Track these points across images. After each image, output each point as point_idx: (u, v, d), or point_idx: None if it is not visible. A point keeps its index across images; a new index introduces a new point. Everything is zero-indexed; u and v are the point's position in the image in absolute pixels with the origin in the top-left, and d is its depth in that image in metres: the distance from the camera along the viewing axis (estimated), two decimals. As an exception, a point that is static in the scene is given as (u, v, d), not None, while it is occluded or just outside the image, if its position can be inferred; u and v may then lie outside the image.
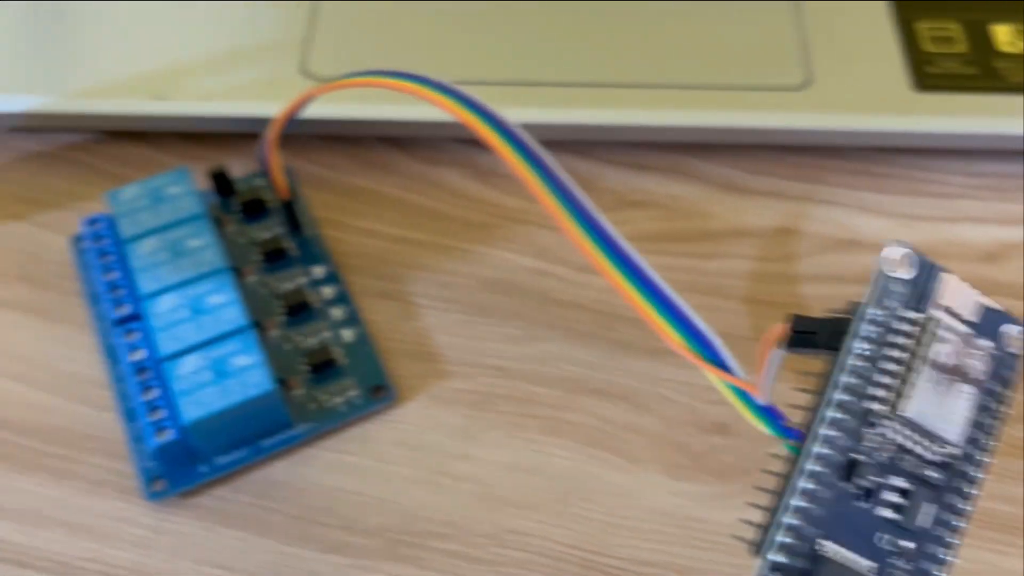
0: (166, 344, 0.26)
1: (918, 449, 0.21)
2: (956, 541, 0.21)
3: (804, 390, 0.21)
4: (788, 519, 0.20)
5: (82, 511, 0.27)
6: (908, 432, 0.20)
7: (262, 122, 0.33)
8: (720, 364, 0.22)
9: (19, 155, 0.34)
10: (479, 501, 0.27)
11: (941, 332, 0.20)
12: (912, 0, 0.35)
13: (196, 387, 0.25)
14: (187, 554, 0.26)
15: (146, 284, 0.28)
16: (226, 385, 0.25)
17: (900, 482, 0.20)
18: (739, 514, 0.27)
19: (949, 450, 0.20)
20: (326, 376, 0.28)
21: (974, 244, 0.32)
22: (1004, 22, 0.35)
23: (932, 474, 0.21)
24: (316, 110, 0.32)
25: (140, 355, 0.27)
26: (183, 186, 0.30)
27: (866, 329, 0.20)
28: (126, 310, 0.28)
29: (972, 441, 0.21)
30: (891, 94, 0.33)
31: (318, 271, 0.30)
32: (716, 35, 0.34)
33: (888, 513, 0.20)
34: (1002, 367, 0.21)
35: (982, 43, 0.34)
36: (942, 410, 0.20)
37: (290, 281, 0.30)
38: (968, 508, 0.21)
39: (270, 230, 0.31)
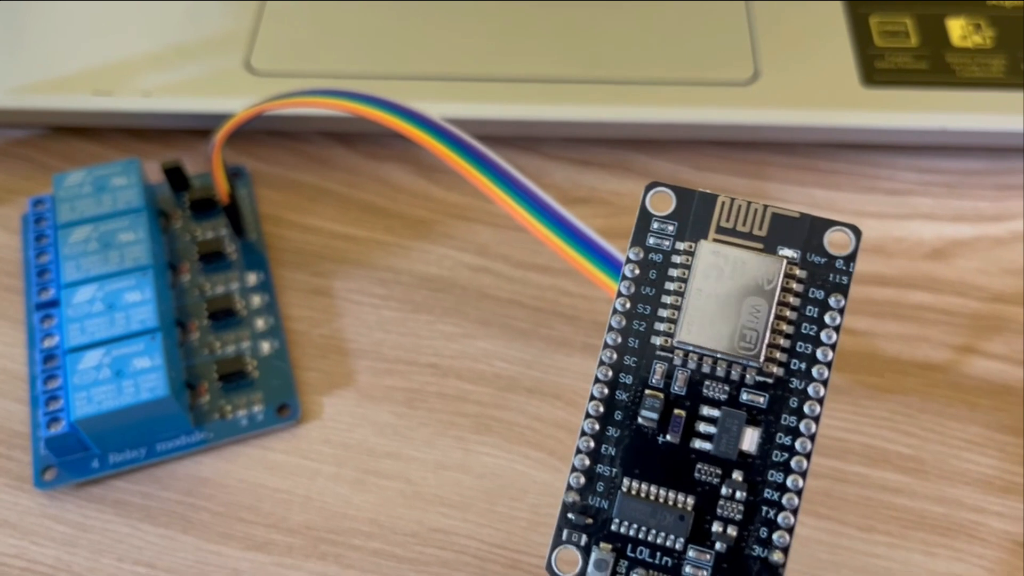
0: (74, 336, 0.26)
1: (720, 373, 0.20)
2: (798, 465, 0.19)
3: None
4: (574, 461, 0.20)
5: (7, 507, 0.27)
6: (700, 359, 0.20)
7: (206, 118, 0.33)
8: None
9: (-34, 151, 0.34)
10: (405, 500, 0.27)
11: (710, 257, 0.20)
12: (866, -7, 0.35)
13: (92, 383, 0.25)
14: (111, 551, 0.26)
15: (69, 272, 0.28)
16: (122, 385, 0.25)
17: (710, 411, 0.20)
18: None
19: (767, 369, 0.19)
20: (235, 387, 0.28)
21: (923, 241, 0.31)
22: (959, 16, 0.34)
23: (750, 397, 0.19)
24: (259, 105, 0.31)
25: (52, 342, 0.27)
26: (130, 177, 0.30)
27: (628, 268, 0.20)
28: (49, 295, 0.28)
29: (798, 355, 0.19)
30: (840, 89, 0.32)
31: (252, 278, 0.30)
32: (663, 28, 0.34)
33: (702, 444, 0.20)
34: (830, 273, 0.20)
35: (935, 38, 0.34)
36: (738, 330, 0.19)
37: (223, 285, 0.30)
38: (809, 429, 0.19)
39: (215, 230, 0.31)
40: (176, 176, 0.32)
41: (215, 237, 0.31)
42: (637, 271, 0.21)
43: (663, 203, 0.21)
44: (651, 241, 0.21)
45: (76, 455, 0.26)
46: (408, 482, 0.27)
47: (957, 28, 0.34)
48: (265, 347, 0.29)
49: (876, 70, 0.33)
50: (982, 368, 0.29)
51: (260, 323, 0.29)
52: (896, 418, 0.28)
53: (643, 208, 0.21)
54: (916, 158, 0.33)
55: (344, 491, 0.27)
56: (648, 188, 0.21)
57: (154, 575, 0.26)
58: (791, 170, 0.33)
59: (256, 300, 0.30)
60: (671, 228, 0.21)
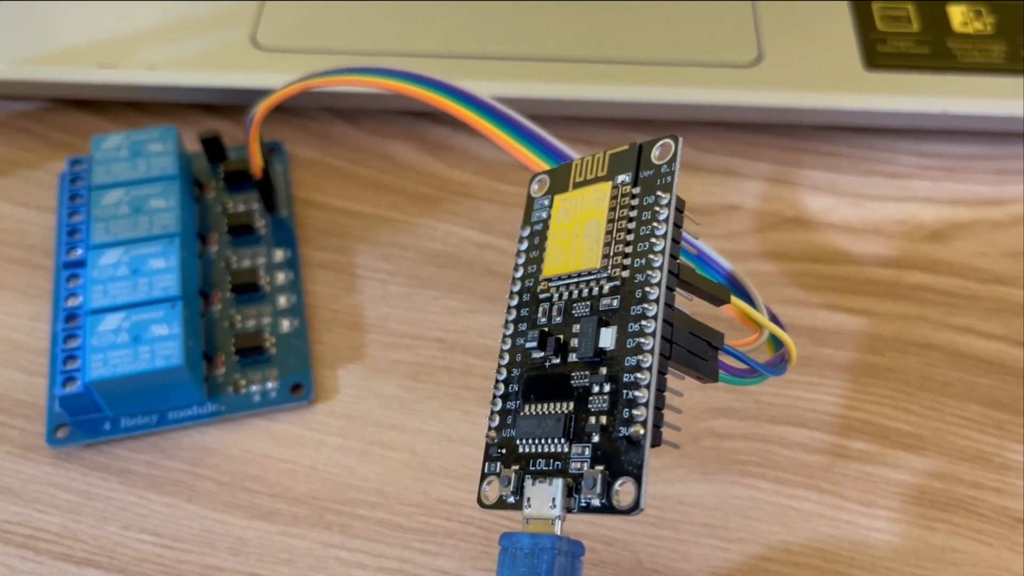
0: (96, 298, 0.26)
1: (584, 293, 0.21)
2: (647, 344, 0.20)
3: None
4: (491, 406, 0.22)
5: (11, 475, 0.27)
6: (566, 287, 0.22)
7: (212, 93, 0.33)
8: None
9: (-32, 123, 0.34)
10: (410, 471, 0.27)
11: (559, 204, 0.22)
12: (868, -22, 0.35)
13: (110, 347, 0.25)
14: (116, 519, 0.26)
15: (98, 234, 0.28)
16: (138, 351, 0.25)
17: (577, 326, 0.21)
18: (668, 489, 0.27)
19: (615, 275, 0.21)
20: (252, 362, 0.28)
21: (922, 224, 0.32)
22: (960, 2, 0.35)
23: (606, 303, 0.21)
24: (264, 81, 0.31)
25: (75, 302, 0.27)
26: (166, 144, 0.30)
27: (521, 245, 0.23)
28: (77, 255, 0.28)
29: (639, 254, 0.21)
30: (842, 72, 0.33)
31: (279, 255, 0.30)
32: (667, 9, 0.34)
33: (573, 355, 0.21)
34: (658, 179, 0.21)
35: (936, 23, 0.34)
36: (577, 255, 0.21)
37: (249, 259, 0.30)
38: (651, 310, 0.20)
39: (247, 204, 0.31)
40: (213, 146, 0.32)
41: (246, 211, 0.31)
42: (526, 244, 0.23)
43: (542, 186, 0.24)
44: (534, 217, 0.23)
45: (89, 415, 0.27)
46: (414, 453, 0.27)
47: (958, 14, 0.34)
48: (285, 325, 0.29)
49: (878, 54, 0.33)
50: (980, 348, 0.29)
51: (283, 300, 0.29)
52: (896, 396, 0.28)
53: (528, 195, 0.24)
54: (916, 142, 0.34)
55: (349, 462, 0.27)
56: (531, 179, 0.24)
57: (159, 543, 0.26)
58: (792, 152, 0.34)
59: (281, 277, 0.30)
60: (547, 201, 0.23)
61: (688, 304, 0.22)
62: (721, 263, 0.24)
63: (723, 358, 0.22)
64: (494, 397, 0.22)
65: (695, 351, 0.21)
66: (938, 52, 0.33)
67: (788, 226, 0.32)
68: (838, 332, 0.29)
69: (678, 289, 0.21)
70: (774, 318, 0.23)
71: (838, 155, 0.33)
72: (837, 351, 0.29)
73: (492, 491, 0.22)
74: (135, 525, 0.26)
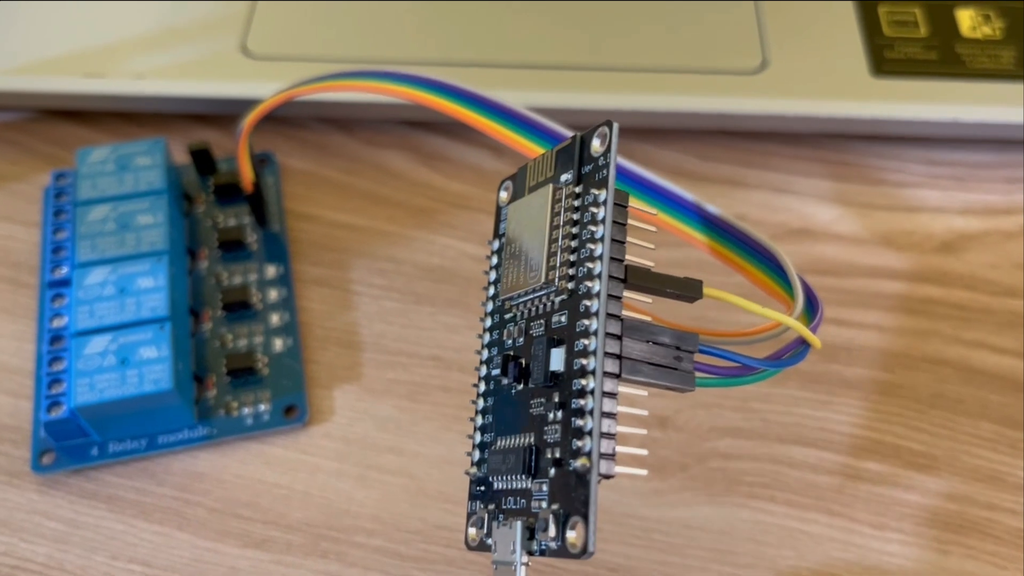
0: (82, 319, 0.25)
1: (540, 310, 0.19)
2: (590, 365, 0.18)
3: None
4: (473, 439, 0.21)
5: (-5, 503, 0.26)
6: (523, 306, 0.20)
7: (201, 102, 0.32)
8: None
9: (-49, 134, 0.33)
10: (408, 496, 0.26)
11: (507, 212, 0.21)
12: (875, -18, 0.34)
13: (96, 370, 0.24)
14: (104, 548, 0.25)
15: (84, 252, 0.27)
16: (126, 375, 0.24)
17: (535, 348, 0.19)
18: (675, 511, 0.26)
19: (562, 287, 0.19)
20: (244, 383, 0.27)
21: (932, 235, 0.31)
22: (968, 6, 0.34)
23: (556, 319, 0.19)
24: (255, 90, 0.31)
25: (61, 323, 0.26)
26: (154, 158, 0.29)
27: (491, 260, 0.22)
28: (62, 273, 0.27)
29: (581, 261, 0.19)
30: (849, 78, 0.32)
31: (271, 271, 0.29)
32: (670, 15, 0.33)
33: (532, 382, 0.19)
34: (596, 174, 0.19)
35: (944, 28, 0.33)
36: (528, 265, 0.20)
37: (240, 275, 0.29)
38: (591, 325, 0.18)
39: (238, 218, 0.30)
40: (203, 159, 0.31)
41: (236, 225, 0.30)
42: (496, 259, 0.22)
43: (509, 194, 0.22)
44: (502, 228, 0.22)
45: (75, 441, 0.26)
46: (412, 478, 0.26)
47: (966, 18, 0.33)
48: (278, 344, 0.28)
49: (885, 60, 0.32)
50: (993, 363, 0.28)
51: (275, 318, 0.28)
52: (907, 414, 0.27)
53: (496, 204, 0.22)
54: (924, 150, 0.33)
55: (345, 487, 0.26)
56: (499, 185, 0.22)
57: (149, 573, 0.25)
58: (798, 161, 0.33)
59: (273, 294, 0.29)
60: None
61: (687, 306, 0.20)
62: (707, 207, 0.21)
63: (712, 360, 0.20)
64: (474, 430, 0.21)
65: (658, 362, 0.19)
66: (947, 58, 0.32)
67: (795, 237, 0.31)
68: (847, 348, 0.29)
69: (633, 295, 0.19)
70: (807, 287, 0.21)
71: (846, 163, 0.33)
72: (846, 367, 0.28)
73: (474, 532, 0.20)
74: (124, 554, 0.25)
